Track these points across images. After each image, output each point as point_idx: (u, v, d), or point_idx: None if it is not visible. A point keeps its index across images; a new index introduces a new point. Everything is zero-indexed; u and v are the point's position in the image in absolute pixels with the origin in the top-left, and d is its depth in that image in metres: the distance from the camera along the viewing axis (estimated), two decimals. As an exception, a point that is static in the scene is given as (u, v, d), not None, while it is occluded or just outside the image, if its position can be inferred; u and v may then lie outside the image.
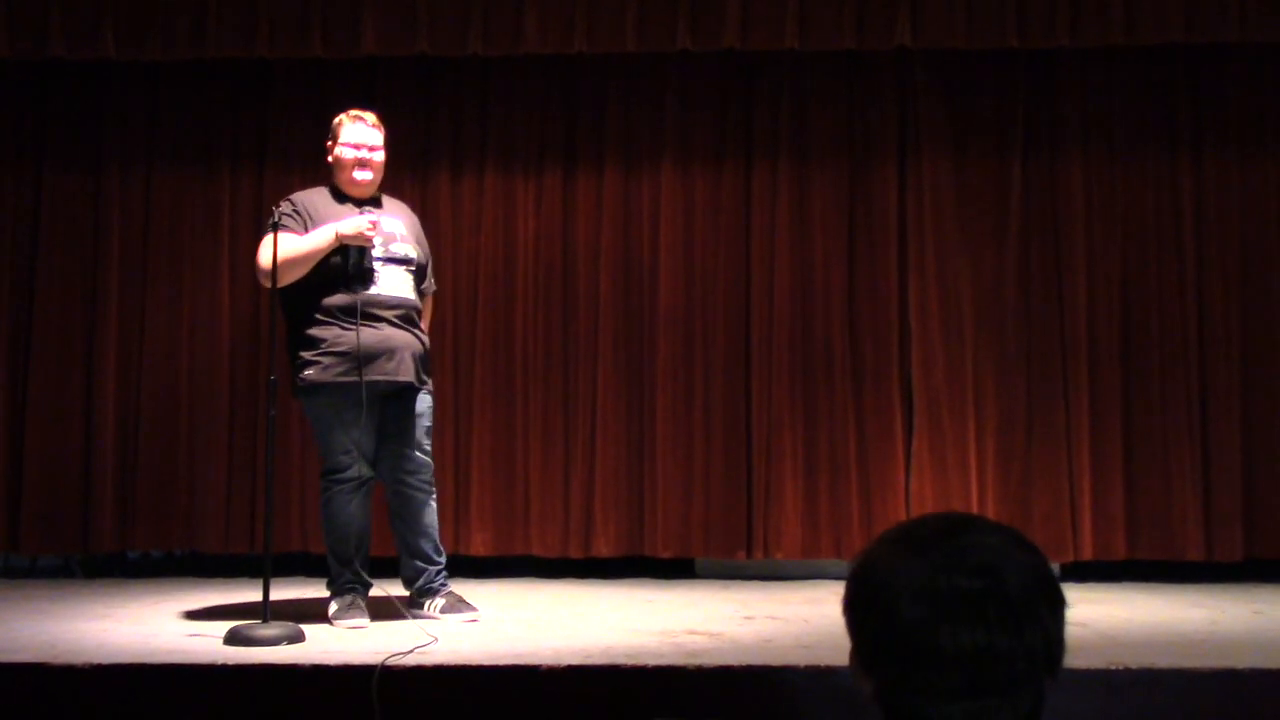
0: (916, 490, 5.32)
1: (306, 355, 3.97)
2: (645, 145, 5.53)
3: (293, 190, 5.39)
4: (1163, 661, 3.25)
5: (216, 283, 5.53)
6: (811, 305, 5.43)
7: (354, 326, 3.94)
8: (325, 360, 3.95)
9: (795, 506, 5.33)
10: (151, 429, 5.46)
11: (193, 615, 4.18)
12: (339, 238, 3.95)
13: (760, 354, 5.41)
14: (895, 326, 5.41)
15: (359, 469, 4.00)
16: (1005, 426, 5.33)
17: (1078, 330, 5.33)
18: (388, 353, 3.99)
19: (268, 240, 3.94)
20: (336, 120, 4.22)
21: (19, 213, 5.56)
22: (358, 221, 3.97)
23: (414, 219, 4.36)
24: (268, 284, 3.99)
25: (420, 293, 4.24)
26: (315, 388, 3.97)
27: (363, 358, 3.93)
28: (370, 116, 4.22)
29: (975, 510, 5.10)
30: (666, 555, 5.36)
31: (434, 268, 4.46)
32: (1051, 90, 5.46)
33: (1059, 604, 1.27)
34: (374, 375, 3.95)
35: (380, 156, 4.20)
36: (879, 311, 5.42)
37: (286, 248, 3.95)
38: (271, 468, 3.97)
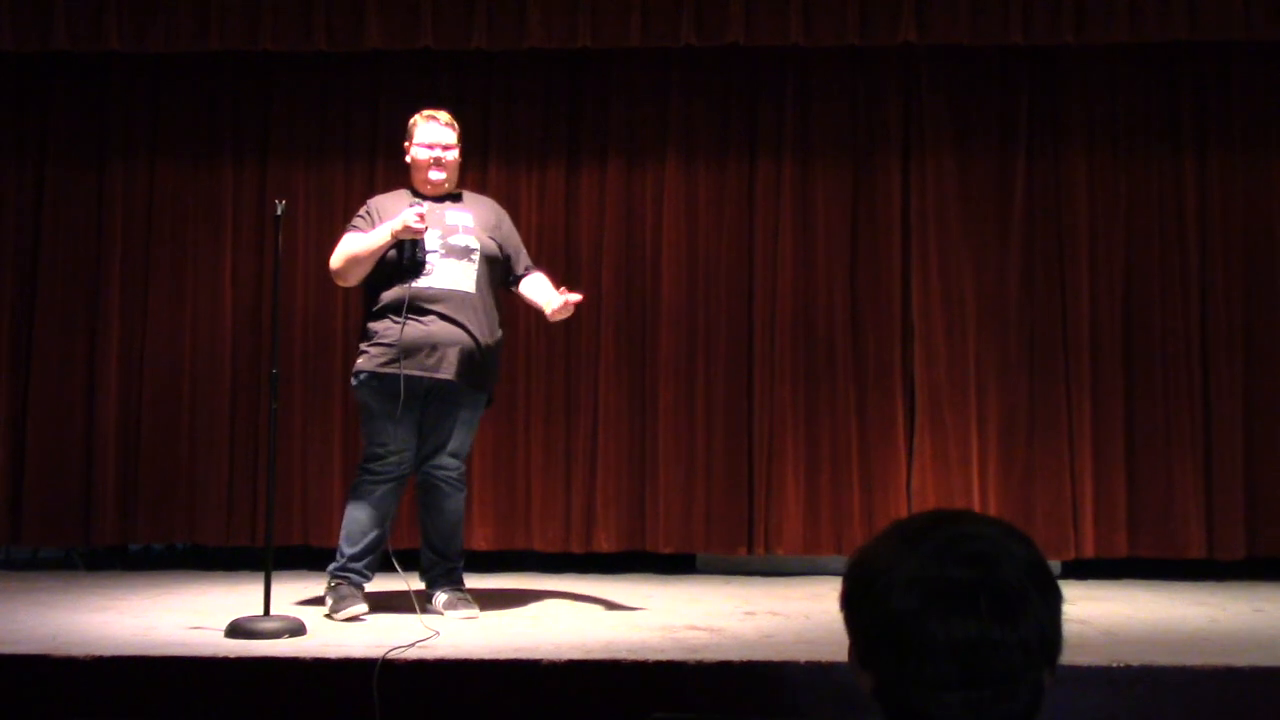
0: (918, 487, 5.32)
1: (362, 345, 4.09)
2: (649, 140, 5.53)
3: (295, 184, 5.46)
4: (1164, 659, 3.26)
5: (219, 276, 5.53)
6: (814, 301, 5.42)
7: (400, 320, 3.99)
8: (372, 351, 4.02)
9: (796, 502, 5.33)
10: (153, 422, 5.46)
11: (194, 608, 4.18)
12: (393, 235, 4.00)
13: (763, 350, 5.41)
14: (898, 323, 5.41)
15: (392, 463, 4.04)
16: (1007, 424, 5.33)
17: (1080, 327, 5.33)
18: (429, 348, 4.00)
19: (343, 241, 4.14)
20: (411, 121, 4.26)
21: (21, 205, 5.56)
22: (405, 215, 4.00)
23: (497, 211, 4.32)
24: (340, 283, 4.26)
25: (515, 279, 4.25)
26: (361, 376, 4.05)
27: (403, 351, 3.96)
28: (443, 115, 4.24)
29: (977, 507, 5.11)
30: (668, 551, 5.36)
31: None
32: (1056, 87, 5.45)
33: (1054, 595, 1.25)
34: (413, 370, 3.98)
35: (454, 155, 4.22)
36: (882, 308, 5.41)
37: (350, 247, 4.08)
38: (273, 461, 3.98)
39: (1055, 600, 1.25)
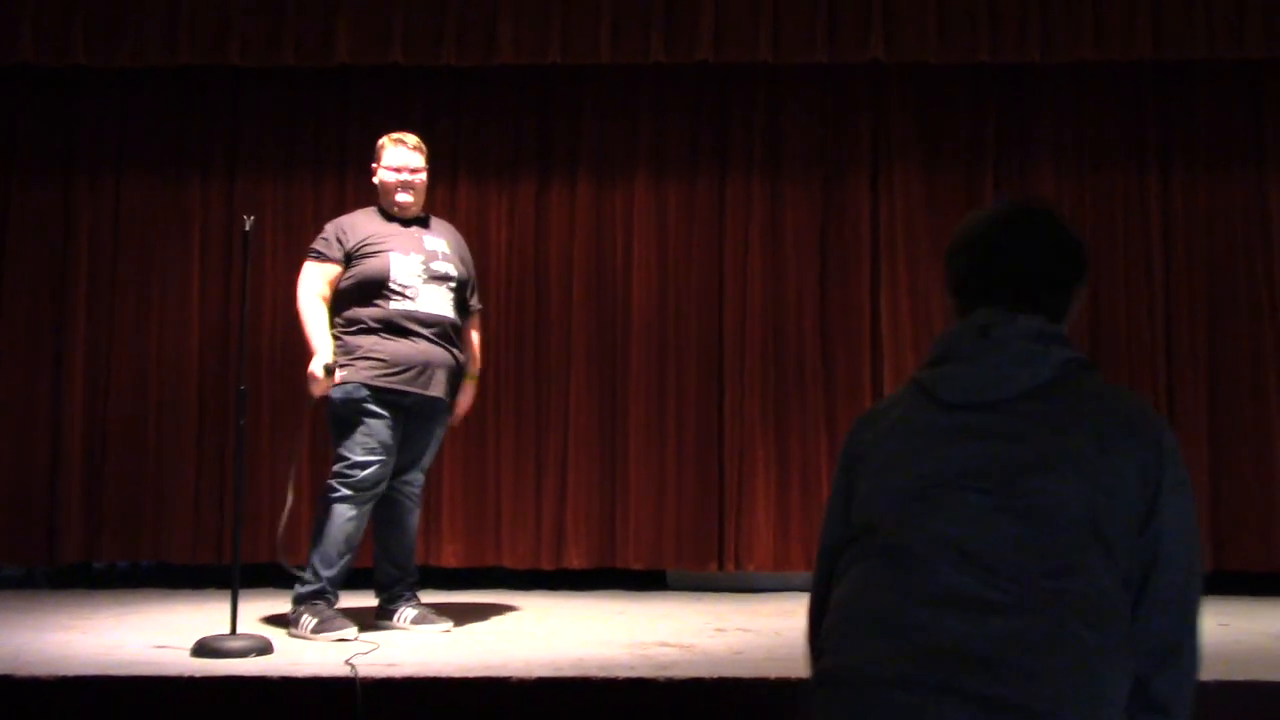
0: (887, 502, 5.32)
1: (344, 359, 4.03)
2: (619, 157, 5.54)
3: (264, 200, 5.43)
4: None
5: (186, 291, 5.50)
6: (784, 317, 5.44)
7: (393, 338, 4.03)
8: (360, 364, 4.01)
9: (767, 518, 5.34)
10: (119, 438, 5.42)
11: (160, 626, 4.14)
12: (312, 368, 3.99)
13: (733, 366, 5.42)
14: (867, 338, 5.43)
15: (376, 475, 4.01)
16: (975, 439, 5.34)
17: (1047, 343, 5.35)
18: (421, 366, 4.06)
19: (305, 269, 4.13)
20: (380, 143, 4.30)
21: (-14, 220, 5.51)
22: (318, 384, 3.99)
23: (459, 238, 4.42)
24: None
25: (466, 310, 4.30)
26: (346, 388, 3.99)
27: (401, 367, 4.01)
28: (411, 139, 4.29)
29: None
30: (638, 567, 5.36)
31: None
32: (1022, 105, 5.50)
33: (1077, 254, 1.85)
34: (407, 386, 4.03)
35: (422, 178, 4.28)
36: (851, 323, 5.44)
37: (306, 316, 4.07)
38: (240, 478, 3.94)
39: (1084, 255, 1.86)
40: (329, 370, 3.96)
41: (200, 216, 5.55)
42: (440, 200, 5.50)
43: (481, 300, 5.41)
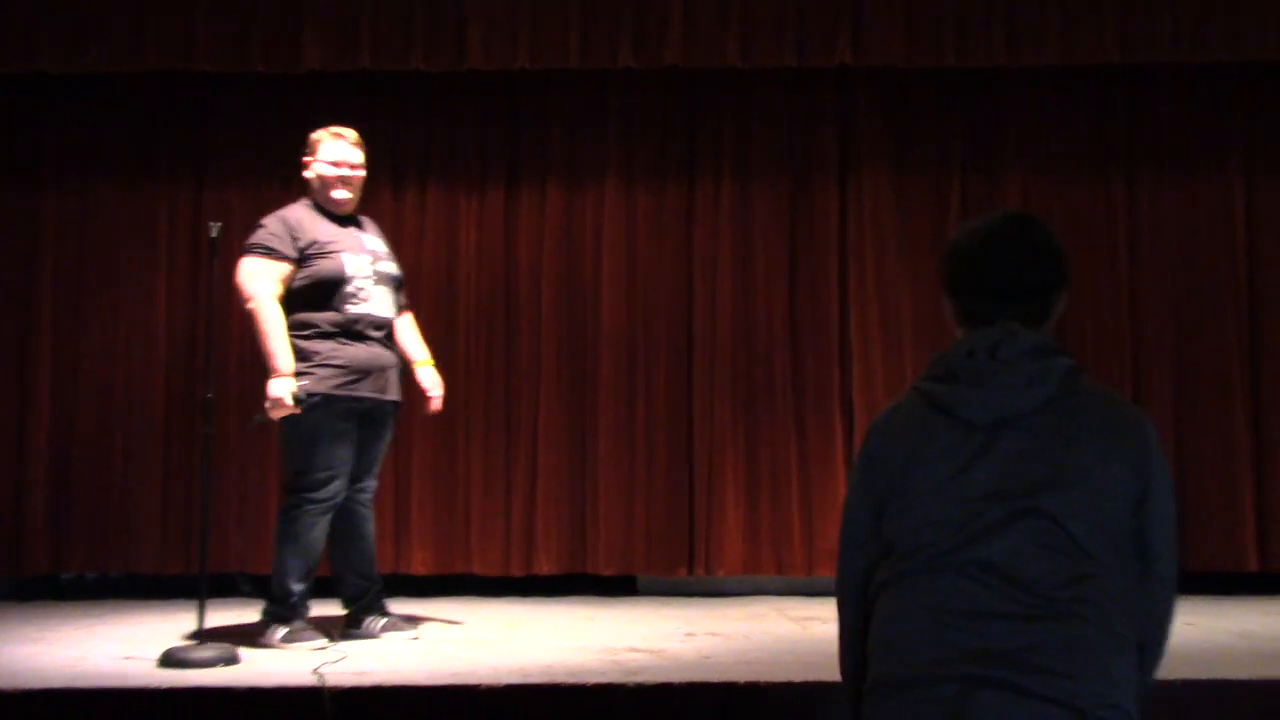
0: (857, 506, 5.33)
1: (299, 367, 3.90)
2: (588, 162, 5.54)
3: (231, 206, 5.38)
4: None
5: (153, 298, 5.46)
6: (753, 322, 5.45)
7: (349, 343, 3.96)
8: (320, 372, 3.91)
9: (737, 523, 5.35)
10: (86, 447, 5.38)
11: (127, 638, 4.12)
12: (272, 386, 3.84)
13: (702, 371, 5.43)
14: (836, 343, 5.45)
15: (336, 488, 3.96)
16: (945, 442, 5.36)
17: (1015, 346, 5.38)
18: (378, 370, 4.02)
19: (243, 265, 3.97)
20: (315, 137, 4.17)
21: (-50, 227, 5.46)
22: (281, 409, 3.86)
23: (384, 235, 4.34)
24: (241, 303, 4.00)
25: (399, 309, 4.24)
26: (314, 398, 3.88)
27: (359, 373, 3.95)
28: (351, 134, 4.19)
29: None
30: (608, 573, 5.35)
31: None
32: (990, 109, 5.54)
33: (1062, 262, 1.95)
34: (367, 392, 3.97)
35: (361, 174, 4.18)
36: (820, 328, 5.45)
37: (264, 321, 3.88)
38: (207, 487, 3.92)
39: (1065, 268, 1.95)
40: (297, 400, 3.83)
41: (167, 223, 5.52)
42: (409, 204, 5.50)
43: (450, 306, 5.45)
